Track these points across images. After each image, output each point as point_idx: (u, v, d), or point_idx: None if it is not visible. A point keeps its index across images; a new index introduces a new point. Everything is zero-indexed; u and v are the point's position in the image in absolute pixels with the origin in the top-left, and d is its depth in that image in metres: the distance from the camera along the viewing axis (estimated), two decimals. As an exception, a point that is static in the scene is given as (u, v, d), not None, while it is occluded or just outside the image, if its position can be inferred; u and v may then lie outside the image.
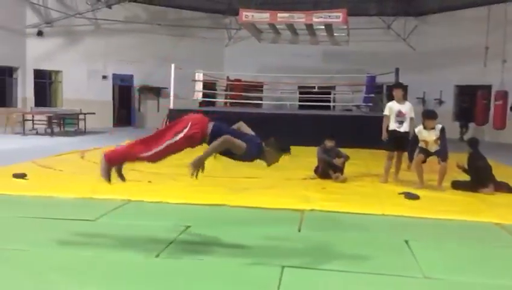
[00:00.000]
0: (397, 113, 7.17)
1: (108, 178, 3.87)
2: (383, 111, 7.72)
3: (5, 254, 3.62)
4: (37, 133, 14.81)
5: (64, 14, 18.33)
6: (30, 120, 15.13)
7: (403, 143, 7.16)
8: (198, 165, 3.65)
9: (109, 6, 17.96)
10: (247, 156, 3.87)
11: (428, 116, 6.73)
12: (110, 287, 3.12)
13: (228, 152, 3.85)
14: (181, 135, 3.75)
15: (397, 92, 7.28)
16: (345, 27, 15.17)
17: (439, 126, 6.69)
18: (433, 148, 6.74)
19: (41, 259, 3.55)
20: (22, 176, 6.65)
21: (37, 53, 18.32)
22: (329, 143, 7.41)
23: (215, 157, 3.89)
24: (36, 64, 18.54)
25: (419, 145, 6.85)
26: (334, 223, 4.90)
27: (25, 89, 18.68)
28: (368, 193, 6.42)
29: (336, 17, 14.03)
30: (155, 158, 3.81)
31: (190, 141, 3.78)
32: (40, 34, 18.45)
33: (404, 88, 7.48)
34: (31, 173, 6.92)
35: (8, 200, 5.44)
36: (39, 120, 15.37)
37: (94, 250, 3.78)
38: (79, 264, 3.47)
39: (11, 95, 18.46)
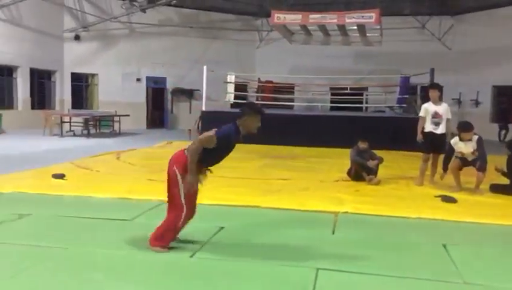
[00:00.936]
0: (433, 115, 7.02)
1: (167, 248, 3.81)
2: (417, 112, 7.59)
3: (47, 251, 3.73)
4: (74, 135, 15.22)
5: (100, 19, 18.80)
6: (68, 122, 15.56)
7: (439, 145, 7.02)
8: (190, 186, 3.67)
9: (143, 10, 18.29)
10: (224, 139, 3.86)
11: (464, 128, 6.58)
12: (147, 286, 3.17)
13: (210, 156, 3.84)
14: (181, 182, 3.73)
15: (433, 93, 7.13)
16: (378, 27, 14.98)
17: (476, 137, 6.53)
18: (471, 157, 6.59)
19: (82, 257, 3.65)
20: (61, 176, 6.84)
21: (74, 57, 18.85)
22: (362, 145, 7.31)
23: (210, 172, 3.95)
24: (73, 68, 19.09)
25: (455, 154, 6.71)
26: (369, 226, 4.84)
27: (62, 92, 19.26)
28: (403, 195, 6.32)
29: (369, 17, 13.86)
30: (191, 209, 3.86)
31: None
32: (77, 38, 18.99)
33: (441, 89, 7.32)
34: (69, 174, 7.12)
35: (48, 200, 5.61)
36: (76, 122, 15.79)
37: (131, 249, 3.85)
38: (117, 263, 3.55)
39: (49, 98, 19.06)
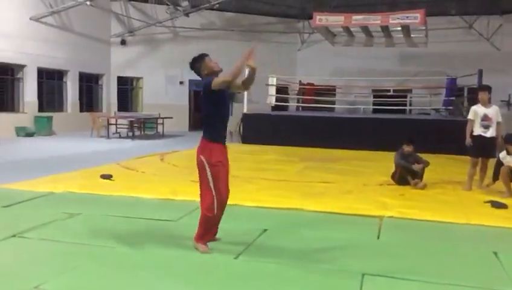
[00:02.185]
0: (483, 117, 6.78)
1: (208, 249, 3.89)
2: (464, 115, 7.36)
3: (96, 250, 3.85)
4: (119, 137, 15.66)
5: (145, 23, 19.29)
6: (114, 124, 16.03)
7: (489, 149, 6.78)
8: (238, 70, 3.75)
9: (187, 15, 18.63)
10: (210, 83, 3.86)
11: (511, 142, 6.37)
12: (192, 286, 3.22)
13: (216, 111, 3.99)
14: (208, 169, 3.81)
15: (483, 95, 6.89)
16: (423, 28, 14.65)
17: None
18: None
19: (128, 256, 3.75)
20: (109, 177, 7.06)
21: (120, 61, 19.42)
22: (407, 148, 7.15)
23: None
24: (119, 71, 19.66)
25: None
26: (415, 231, 4.73)
27: (109, 95, 19.88)
28: (450, 200, 6.13)
29: (414, 18, 13.59)
30: (221, 194, 3.89)
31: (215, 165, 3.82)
32: (123, 42, 19.56)
33: (490, 90, 7.06)
34: (116, 174, 7.33)
35: (97, 200, 5.79)
36: (121, 124, 16.25)
37: (176, 250, 3.92)
38: (163, 263, 3.62)
39: (97, 101, 19.72)
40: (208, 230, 3.94)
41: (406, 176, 7.02)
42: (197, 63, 4.03)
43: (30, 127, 15.51)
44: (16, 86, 16.02)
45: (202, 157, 3.85)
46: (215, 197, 3.84)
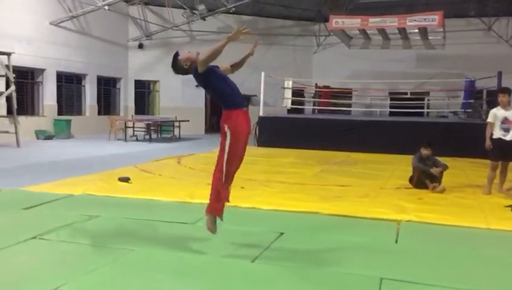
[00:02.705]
0: (503, 120, 6.68)
1: (215, 229, 3.99)
2: (482, 118, 7.26)
3: (114, 252, 3.89)
4: (137, 139, 15.81)
5: (162, 27, 19.47)
6: (131, 127, 16.19)
7: (509, 152, 6.66)
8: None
9: (203, 18, 18.75)
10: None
11: None
12: (211, 289, 3.23)
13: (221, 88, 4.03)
14: (229, 137, 3.89)
15: (503, 98, 6.78)
16: (441, 30, 14.51)
17: None
18: None
19: (147, 259, 3.77)
20: (126, 179, 7.13)
21: (138, 64, 19.63)
22: (425, 151, 7.08)
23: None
24: (136, 75, 19.87)
25: None
26: (434, 235, 4.68)
27: (126, 98, 20.10)
28: (470, 204, 6.05)
29: (432, 20, 13.47)
30: (231, 171, 3.94)
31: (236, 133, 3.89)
32: (140, 46, 19.77)
33: (511, 93, 6.95)
34: (134, 177, 7.40)
35: (115, 202, 5.85)
36: (139, 127, 16.40)
37: (193, 252, 3.94)
38: (180, 266, 3.64)
39: (114, 104, 19.95)
40: (216, 199, 3.96)
41: (424, 179, 6.95)
42: (176, 65, 4.08)
43: (49, 130, 15.75)
44: (36, 89, 16.30)
45: (226, 126, 3.92)
46: (224, 174, 3.88)
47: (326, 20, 17.13)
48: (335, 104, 18.06)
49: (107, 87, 19.53)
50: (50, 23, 16.02)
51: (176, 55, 4.09)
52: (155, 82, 20.41)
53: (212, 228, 3.98)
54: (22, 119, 13.99)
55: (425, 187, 6.89)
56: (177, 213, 5.30)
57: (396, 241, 4.39)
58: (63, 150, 12.37)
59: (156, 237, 4.36)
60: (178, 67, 4.07)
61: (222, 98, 4.00)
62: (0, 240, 4.05)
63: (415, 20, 13.82)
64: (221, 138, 3.98)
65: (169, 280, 3.34)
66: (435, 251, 4.14)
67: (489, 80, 13.45)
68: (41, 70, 16.06)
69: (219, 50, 3.83)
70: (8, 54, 13.08)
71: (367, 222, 5.10)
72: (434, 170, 6.91)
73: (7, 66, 13.02)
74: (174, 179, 7.70)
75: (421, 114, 16.54)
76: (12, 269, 3.55)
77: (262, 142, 13.67)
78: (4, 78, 13.37)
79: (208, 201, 4.03)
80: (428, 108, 18.03)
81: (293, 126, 13.80)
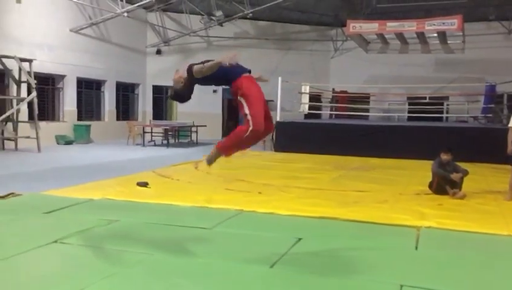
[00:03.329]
0: (524, 125, 6.57)
1: (212, 163, 3.96)
2: (503, 122, 7.14)
3: (134, 257, 3.92)
4: (154, 144, 15.94)
5: (180, 33, 19.65)
6: (149, 132, 16.34)
7: (531, 158, 6.55)
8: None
9: (220, 24, 18.88)
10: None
11: None
12: (229, 294, 3.24)
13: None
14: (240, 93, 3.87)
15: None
16: (460, 34, 14.35)
17: None
18: None
19: (166, 264, 3.79)
20: (145, 184, 7.19)
21: (156, 70, 19.83)
22: (445, 156, 6.98)
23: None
24: (154, 81, 20.07)
25: None
26: (455, 242, 4.61)
27: (144, 104, 20.32)
28: (491, 211, 5.95)
29: (451, 24, 13.34)
30: (258, 124, 3.83)
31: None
32: (158, 52, 19.98)
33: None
34: (152, 182, 7.46)
35: (134, 207, 5.90)
36: (157, 132, 16.55)
37: (212, 257, 3.94)
38: (199, 271, 3.65)
39: (133, 109, 20.18)
40: (231, 147, 3.95)
41: (444, 185, 6.85)
42: (178, 94, 4.10)
43: (69, 135, 15.99)
44: (56, 95, 16.58)
45: (236, 90, 3.89)
46: (251, 128, 3.78)
47: (343, 25, 17.06)
48: (352, 109, 17.97)
49: (126, 93, 19.76)
50: (70, 30, 16.30)
51: (174, 94, 4.12)
52: (173, 87, 20.57)
53: (212, 161, 3.95)
54: (42, 124, 14.24)
55: (446, 193, 6.80)
56: (195, 218, 5.32)
57: (416, 248, 4.34)
58: (83, 155, 12.55)
59: (175, 242, 4.38)
60: (179, 92, 4.06)
61: (225, 79, 3.98)
62: (22, 244, 4.12)
63: (434, 25, 13.70)
64: (238, 103, 3.93)
65: (188, 284, 3.35)
66: (456, 257, 4.08)
67: (510, 84, 13.24)
68: (62, 77, 16.34)
69: (210, 69, 3.81)
70: (30, 61, 13.35)
71: (386, 228, 5.05)
72: (454, 176, 6.81)
73: (29, 73, 13.28)
74: (192, 184, 7.74)
75: (440, 119, 16.35)
76: (33, 272, 3.60)
77: (279, 147, 13.66)
78: (26, 84, 13.64)
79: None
80: (447, 113, 17.82)
81: (310, 131, 13.76)
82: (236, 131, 3.90)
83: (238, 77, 3.93)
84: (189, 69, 3.93)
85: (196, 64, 3.91)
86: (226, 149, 3.98)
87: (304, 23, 21.42)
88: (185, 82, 4.00)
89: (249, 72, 4.05)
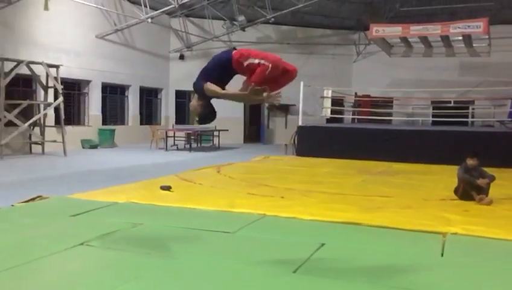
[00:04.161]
0: (553, 130, 6.41)
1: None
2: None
3: (158, 260, 3.95)
4: (177, 149, 16.09)
5: (203, 38, 19.81)
6: (172, 137, 16.51)
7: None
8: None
9: (243, 29, 18.97)
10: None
11: None
12: (252, 299, 3.24)
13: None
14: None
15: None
16: (486, 37, 14.11)
17: None
18: None
19: (189, 267, 3.81)
20: (168, 188, 7.25)
21: (178, 75, 20.03)
22: (471, 161, 6.85)
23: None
24: (177, 85, 20.27)
25: None
26: (481, 249, 4.52)
27: (167, 108, 20.54)
28: (519, 217, 5.81)
29: (476, 27, 13.13)
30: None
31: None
32: (181, 57, 20.19)
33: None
34: (175, 186, 7.52)
35: (157, 210, 5.96)
36: (179, 136, 16.71)
37: (235, 261, 3.95)
38: (222, 275, 3.66)
39: (156, 114, 20.41)
40: (262, 81, 3.77)
41: (470, 191, 6.72)
42: (202, 117, 4.13)
43: (94, 139, 16.26)
44: (82, 100, 16.90)
45: (237, 61, 3.81)
46: (265, 61, 3.71)
47: (366, 28, 16.97)
48: (375, 114, 17.81)
49: (149, 98, 20.01)
50: (96, 36, 16.61)
51: (200, 119, 4.17)
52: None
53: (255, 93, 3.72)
54: (68, 129, 14.52)
55: (472, 199, 6.67)
56: (218, 222, 5.34)
57: (442, 255, 4.27)
58: (107, 159, 12.75)
59: (198, 246, 4.41)
60: (202, 115, 4.08)
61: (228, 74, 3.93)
62: (50, 246, 4.20)
63: (459, 28, 13.51)
64: (246, 73, 3.86)
65: (211, 288, 3.37)
66: (483, 265, 4.00)
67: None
68: (87, 82, 16.65)
69: (229, 98, 3.94)
70: (57, 67, 13.66)
71: (410, 234, 4.98)
72: (481, 181, 6.68)
73: (56, 78, 13.58)
74: (215, 188, 7.78)
75: (465, 123, 16.07)
76: (60, 275, 3.67)
77: (301, 151, 13.62)
78: (53, 90, 13.94)
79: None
80: (473, 117, 17.50)
81: (332, 136, 13.69)
82: (257, 72, 3.75)
83: (231, 56, 3.85)
84: (201, 89, 3.89)
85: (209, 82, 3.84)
86: (257, 80, 3.79)
87: (326, 28, 21.36)
88: (201, 105, 4.00)
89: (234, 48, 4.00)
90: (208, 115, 4.09)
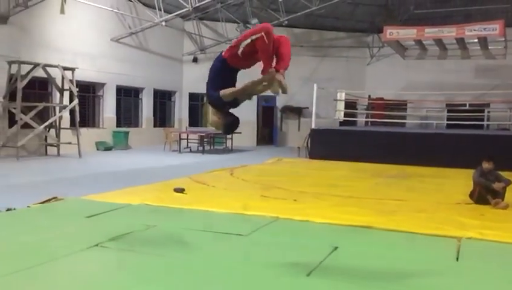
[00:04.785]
0: None
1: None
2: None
3: (172, 261, 3.98)
4: (190, 151, 16.16)
5: (216, 41, 19.89)
6: (185, 139, 16.59)
7: None
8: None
9: (256, 32, 18.98)
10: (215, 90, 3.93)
11: None
12: (265, 301, 3.24)
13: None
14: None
15: None
16: (502, 39, 13.95)
17: None
18: None
19: (202, 269, 3.83)
20: (182, 190, 7.29)
21: (192, 78, 20.14)
22: (486, 165, 6.78)
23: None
24: (191, 88, 20.38)
25: None
26: (497, 254, 4.47)
27: (181, 111, 20.65)
28: (536, 222, 5.73)
29: (492, 29, 13.00)
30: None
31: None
32: (195, 60, 20.30)
33: None
34: (188, 188, 7.55)
35: (171, 212, 6.00)
36: (192, 139, 16.78)
37: (248, 264, 3.96)
38: (236, 277, 3.67)
39: (169, 116, 20.53)
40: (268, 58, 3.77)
41: (486, 195, 6.65)
42: (226, 127, 4.15)
43: (108, 141, 16.41)
44: (97, 102, 17.07)
45: (232, 51, 3.83)
46: (258, 34, 3.65)
47: (380, 31, 16.88)
48: (389, 116, 17.71)
49: (163, 100, 20.14)
50: (111, 40, 16.78)
51: (224, 130, 4.19)
52: (208, 95, 20.85)
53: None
54: (83, 131, 14.67)
55: (487, 203, 6.60)
56: (231, 225, 5.35)
57: (457, 259, 4.23)
58: (121, 161, 12.85)
59: (211, 248, 4.43)
60: (226, 125, 4.10)
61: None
62: (66, 247, 4.25)
63: (474, 30, 13.38)
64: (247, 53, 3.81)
65: (225, 290, 3.38)
66: (499, 270, 3.96)
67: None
68: (102, 85, 16.81)
69: (242, 93, 3.91)
70: (73, 70, 13.82)
71: (425, 238, 4.95)
72: (496, 185, 6.61)
73: (71, 81, 13.75)
74: (228, 190, 7.80)
75: (480, 127, 15.89)
76: (75, 275, 3.71)
77: (314, 154, 13.59)
78: (68, 92, 14.11)
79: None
80: (488, 120, 17.31)
81: (345, 138, 13.64)
82: (261, 48, 3.69)
83: (222, 57, 3.90)
84: (217, 98, 3.91)
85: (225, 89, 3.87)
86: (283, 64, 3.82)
87: (340, 30, 21.31)
88: (221, 117, 4.03)
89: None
90: (232, 122, 4.12)
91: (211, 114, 4.13)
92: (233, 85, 3.97)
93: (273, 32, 3.73)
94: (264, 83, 3.77)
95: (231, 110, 4.14)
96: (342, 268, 3.92)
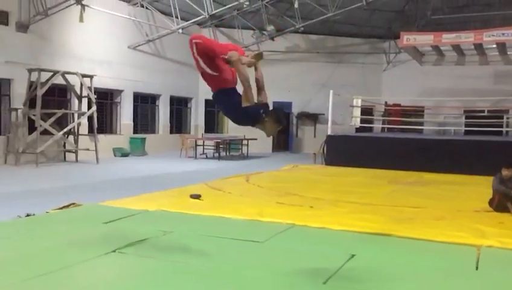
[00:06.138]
0: None
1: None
2: None
3: (189, 268, 3.99)
4: (206, 157, 16.23)
5: (232, 48, 19.97)
6: (201, 145, 16.67)
7: None
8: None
9: (272, 39, 19.06)
10: (245, 114, 4.23)
11: None
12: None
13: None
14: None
15: None
16: (522, 44, 13.75)
17: None
18: None
19: (218, 275, 3.83)
20: (198, 196, 7.32)
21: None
22: (506, 172, 6.67)
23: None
24: (207, 95, 20.43)
25: None
26: (518, 263, 4.38)
27: (197, 117, 20.78)
28: (558, 231, 5.60)
29: (511, 34, 12.81)
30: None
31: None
32: (211, 67, 20.38)
33: None
34: (204, 194, 7.57)
35: (188, 219, 6.01)
36: (208, 145, 16.85)
37: (264, 271, 3.95)
38: (252, 284, 3.67)
39: (185, 123, 20.66)
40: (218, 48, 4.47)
41: (506, 202, 6.54)
42: (273, 116, 4.31)
43: (126, 147, 16.57)
44: (114, 109, 17.27)
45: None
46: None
47: (396, 37, 16.80)
48: (406, 123, 17.56)
49: (179, 107, 20.29)
50: (128, 47, 17.00)
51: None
52: (224, 101, 20.92)
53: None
54: (101, 137, 14.86)
55: (507, 211, 6.48)
56: (247, 231, 5.35)
57: (477, 268, 4.16)
58: (138, 167, 12.96)
59: (227, 255, 4.43)
60: (276, 117, 4.32)
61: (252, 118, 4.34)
62: (83, 253, 4.29)
63: (493, 35, 13.24)
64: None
65: (241, 297, 3.38)
66: (520, 279, 3.88)
67: None
68: (120, 92, 17.02)
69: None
70: (91, 77, 14.02)
71: (443, 246, 4.88)
72: (517, 193, 6.49)
73: (89, 88, 13.94)
74: (243, 197, 7.80)
75: (499, 133, 15.65)
76: (93, 281, 3.74)
77: (330, 161, 13.52)
78: (86, 99, 14.31)
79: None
80: (507, 126, 17.04)
81: (361, 145, 13.55)
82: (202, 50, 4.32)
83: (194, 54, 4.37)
84: (254, 114, 4.20)
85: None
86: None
87: (356, 36, 21.26)
88: (270, 120, 4.26)
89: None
90: (276, 113, 4.34)
91: (268, 129, 4.29)
92: (225, 71, 4.33)
93: (199, 36, 4.43)
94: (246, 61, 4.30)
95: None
96: (359, 276, 3.88)
